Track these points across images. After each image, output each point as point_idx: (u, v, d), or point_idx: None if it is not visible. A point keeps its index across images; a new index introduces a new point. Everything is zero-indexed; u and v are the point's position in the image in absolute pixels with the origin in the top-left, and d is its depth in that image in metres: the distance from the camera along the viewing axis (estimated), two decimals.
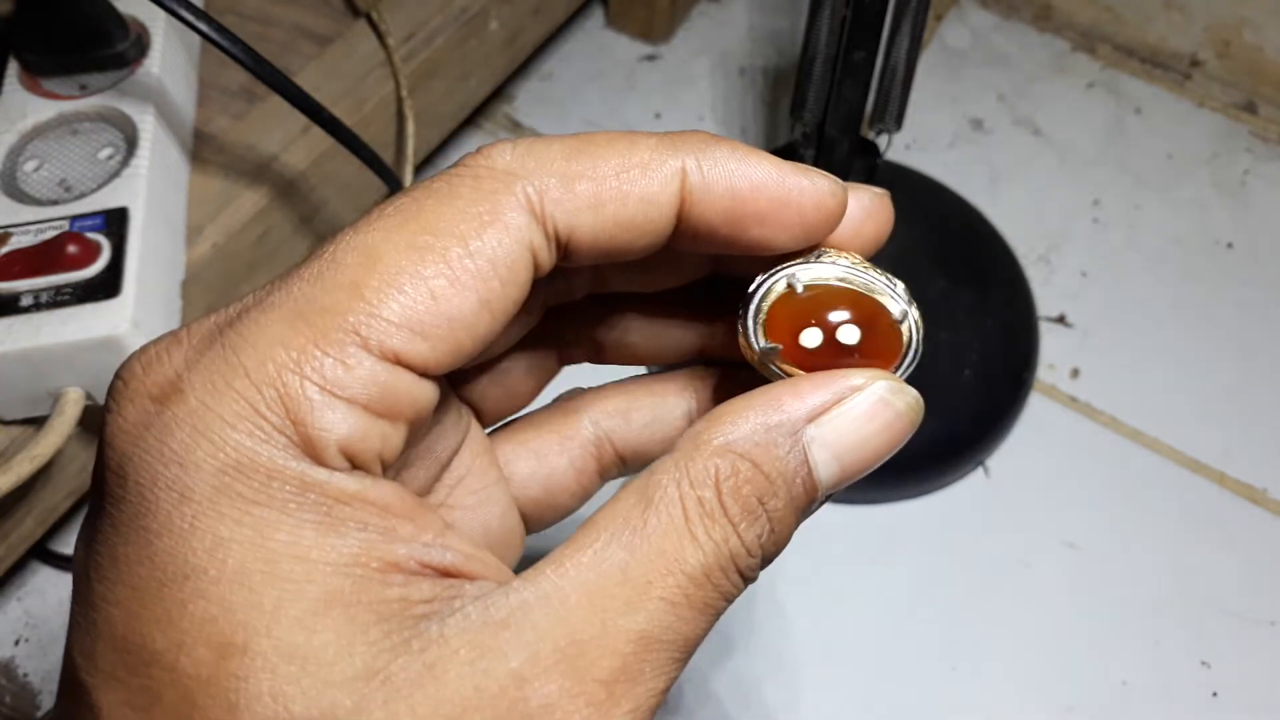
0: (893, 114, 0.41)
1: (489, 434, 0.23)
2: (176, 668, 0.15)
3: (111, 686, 0.15)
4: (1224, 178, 0.56)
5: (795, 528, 0.19)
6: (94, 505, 0.17)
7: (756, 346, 0.20)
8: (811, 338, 0.19)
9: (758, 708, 0.40)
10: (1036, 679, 0.41)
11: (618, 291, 0.22)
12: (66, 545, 0.42)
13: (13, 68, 0.37)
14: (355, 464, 0.16)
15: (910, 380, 0.20)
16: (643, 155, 0.18)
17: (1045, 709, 0.40)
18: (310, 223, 0.42)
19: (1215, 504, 0.45)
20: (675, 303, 0.23)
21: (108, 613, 0.16)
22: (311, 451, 0.16)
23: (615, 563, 0.17)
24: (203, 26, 0.32)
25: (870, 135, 0.43)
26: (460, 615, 0.16)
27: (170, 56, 0.39)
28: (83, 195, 0.34)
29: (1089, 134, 0.57)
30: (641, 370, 0.25)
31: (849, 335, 0.19)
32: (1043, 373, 0.49)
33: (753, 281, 0.20)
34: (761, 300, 0.20)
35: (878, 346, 0.19)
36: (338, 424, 0.16)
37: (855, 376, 0.19)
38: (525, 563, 0.18)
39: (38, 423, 0.33)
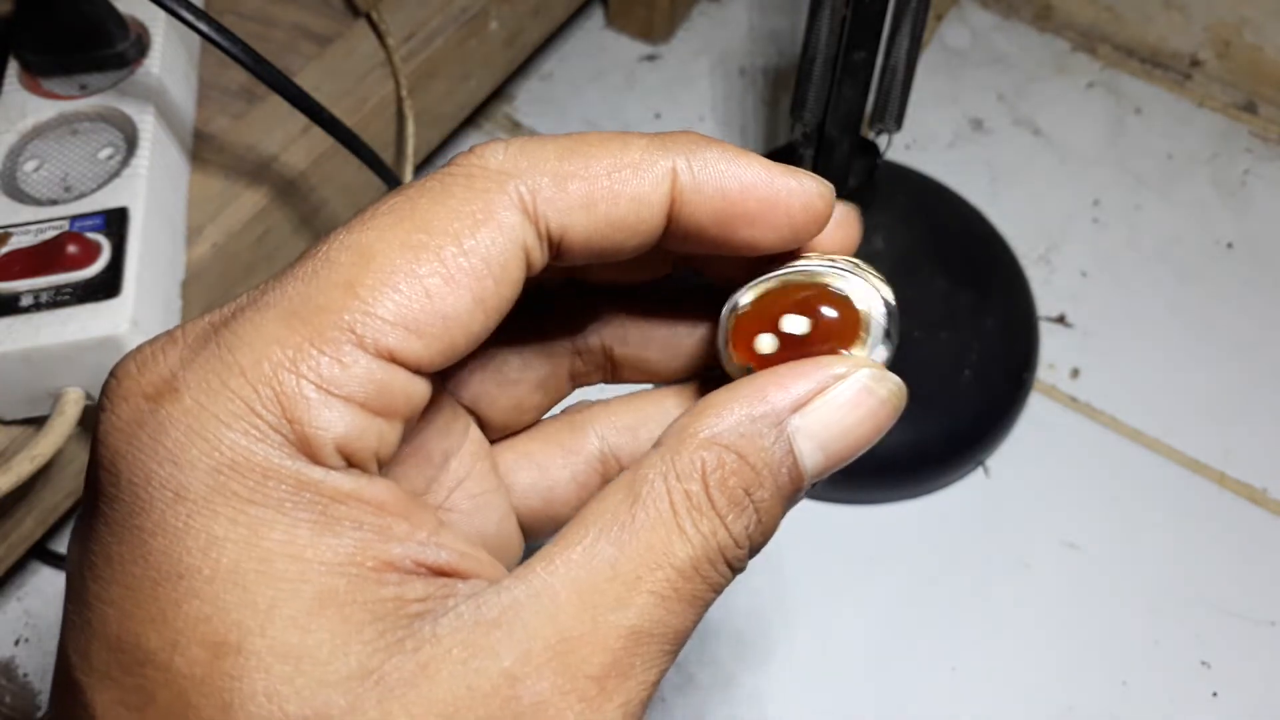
0: (893, 114, 0.41)
1: (493, 443, 0.23)
2: (171, 667, 0.15)
3: (105, 686, 0.15)
4: (1224, 178, 0.56)
5: (782, 517, 0.19)
6: (88, 504, 0.17)
7: (734, 373, 0.20)
8: (767, 343, 0.20)
9: (758, 709, 0.40)
10: (1036, 679, 0.41)
11: (596, 285, 0.23)
12: (66, 545, 0.42)
13: (13, 68, 0.37)
14: (351, 462, 0.16)
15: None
16: (634, 155, 0.18)
17: (1045, 709, 0.40)
18: (310, 223, 0.42)
19: (1215, 504, 0.45)
20: (695, 317, 0.23)
21: (102, 612, 0.16)
22: (308, 450, 0.16)
23: (604, 559, 0.17)
24: (203, 26, 0.32)
25: (870, 135, 0.43)
26: (453, 614, 0.16)
27: (170, 56, 0.39)
28: (83, 195, 0.34)
29: (1089, 134, 0.57)
30: (648, 386, 0.25)
31: (796, 326, 0.20)
32: (1043, 373, 0.48)
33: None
34: (725, 326, 0.20)
35: (833, 328, 0.20)
36: (334, 422, 0.16)
37: (838, 365, 0.19)
38: (521, 559, 0.18)
39: (38, 423, 0.33)
